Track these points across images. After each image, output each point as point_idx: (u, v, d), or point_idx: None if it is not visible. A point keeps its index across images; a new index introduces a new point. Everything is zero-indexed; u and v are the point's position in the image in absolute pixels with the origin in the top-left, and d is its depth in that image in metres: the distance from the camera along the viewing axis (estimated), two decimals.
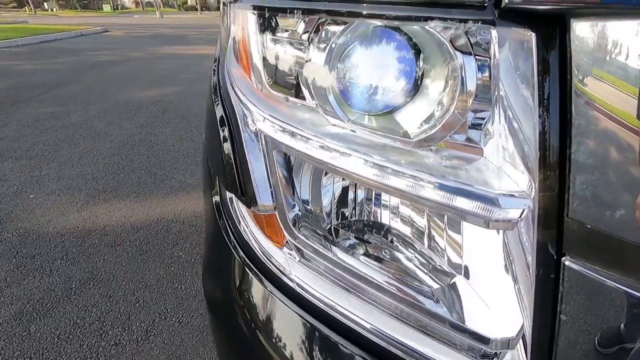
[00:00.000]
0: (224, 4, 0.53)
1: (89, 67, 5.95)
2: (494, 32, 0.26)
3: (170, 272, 1.60)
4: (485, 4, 0.24)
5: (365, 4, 0.30)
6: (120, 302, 1.44)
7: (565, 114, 0.25)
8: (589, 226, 0.25)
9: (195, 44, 9.26)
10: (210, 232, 0.59)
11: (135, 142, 2.97)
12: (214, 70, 0.54)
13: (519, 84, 0.26)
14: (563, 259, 0.27)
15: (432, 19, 0.27)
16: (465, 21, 0.25)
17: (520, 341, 0.32)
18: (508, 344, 0.32)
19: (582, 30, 0.23)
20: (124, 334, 1.30)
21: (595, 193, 0.24)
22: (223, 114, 0.47)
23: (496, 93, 0.28)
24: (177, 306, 1.42)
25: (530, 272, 0.29)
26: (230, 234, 0.52)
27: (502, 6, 0.23)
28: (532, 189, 0.27)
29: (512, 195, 0.27)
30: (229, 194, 0.55)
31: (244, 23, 0.44)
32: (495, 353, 0.34)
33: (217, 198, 0.57)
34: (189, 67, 6.20)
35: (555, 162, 0.25)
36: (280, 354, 0.44)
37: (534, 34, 0.23)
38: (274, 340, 0.45)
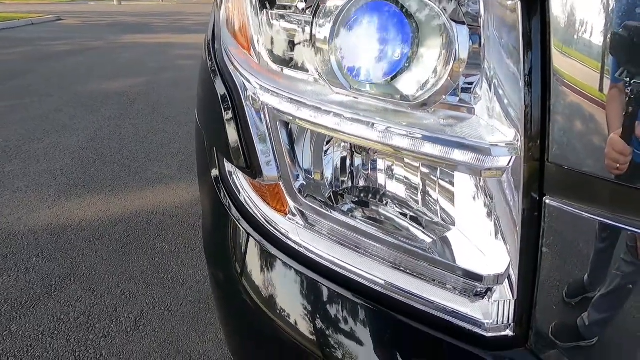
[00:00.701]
0: None
1: (45, 58, 5.58)
2: (483, 2, 0.30)
3: (155, 263, 1.59)
4: None
5: None
6: (105, 295, 1.42)
7: (545, 73, 0.29)
8: (566, 167, 0.30)
9: (159, 32, 8.86)
10: (209, 207, 0.61)
11: (104, 135, 2.86)
12: (208, 50, 0.55)
13: (506, 48, 0.30)
14: (544, 198, 0.32)
15: None
16: None
17: (507, 278, 0.37)
18: (497, 279, 0.37)
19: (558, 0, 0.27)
20: (112, 325, 1.29)
21: (571, 139, 0.29)
22: (225, 91, 0.48)
23: (486, 58, 0.32)
24: (165, 295, 1.42)
25: (516, 213, 0.33)
26: (232, 205, 0.54)
27: None
28: (517, 139, 0.31)
29: (502, 145, 0.31)
30: (228, 168, 0.57)
31: (240, 0, 0.45)
32: (487, 290, 0.38)
33: (215, 172, 0.59)
34: (154, 56, 5.95)
35: (537, 113, 0.30)
36: (290, 314, 0.48)
37: (519, 2, 0.27)
38: (283, 301, 0.48)
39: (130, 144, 2.71)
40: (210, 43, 0.55)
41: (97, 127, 3.01)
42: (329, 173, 0.47)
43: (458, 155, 0.32)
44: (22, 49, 6.31)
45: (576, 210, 0.30)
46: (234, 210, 0.54)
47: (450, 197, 0.41)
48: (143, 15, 13.46)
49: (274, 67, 0.44)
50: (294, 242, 0.48)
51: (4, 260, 1.59)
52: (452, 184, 0.40)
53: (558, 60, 0.28)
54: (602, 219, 0.29)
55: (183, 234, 1.77)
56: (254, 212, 0.53)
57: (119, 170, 2.35)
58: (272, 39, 0.44)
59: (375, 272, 0.43)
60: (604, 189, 0.29)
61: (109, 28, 9.47)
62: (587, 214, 0.30)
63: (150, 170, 2.36)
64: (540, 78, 0.29)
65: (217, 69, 0.52)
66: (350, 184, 0.47)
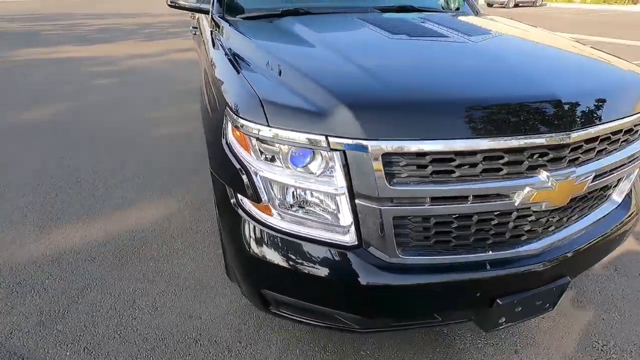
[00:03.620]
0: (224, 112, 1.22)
1: None
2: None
3: (151, 267, 2.12)
4: (323, 143, 1.02)
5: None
6: (122, 294, 1.93)
7: (351, 185, 1.05)
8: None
9: (57, 44, 8.30)
10: (229, 215, 1.28)
11: (52, 172, 3.10)
12: (224, 142, 1.24)
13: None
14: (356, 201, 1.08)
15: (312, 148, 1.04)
16: (323, 148, 1.03)
17: (352, 227, 1.14)
18: (349, 228, 1.13)
19: (350, 153, 1.02)
20: (137, 311, 1.83)
21: None
22: (240, 165, 1.16)
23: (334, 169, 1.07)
24: (169, 286, 1.99)
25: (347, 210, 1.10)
26: (244, 214, 1.23)
27: (330, 147, 1.01)
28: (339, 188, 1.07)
29: (339, 192, 1.07)
30: (239, 198, 1.25)
31: (242, 138, 1.14)
32: (347, 230, 1.14)
33: (233, 200, 1.26)
34: (63, 75, 5.81)
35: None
36: (268, 252, 1.19)
37: (340, 152, 1.02)
38: (268, 248, 1.19)
39: (83, 177, 3.02)
40: (225, 139, 1.23)
41: (42, 161, 3.21)
42: (287, 197, 1.19)
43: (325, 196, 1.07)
44: None
45: (373, 206, 1.07)
46: (244, 215, 1.23)
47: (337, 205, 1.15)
48: (27, 20, 12.05)
49: (263, 161, 1.14)
50: (274, 224, 1.19)
51: (21, 286, 1.97)
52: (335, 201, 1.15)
53: (351, 176, 1.04)
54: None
55: (166, 243, 2.30)
56: (254, 215, 1.22)
57: (85, 197, 2.71)
58: (261, 151, 1.13)
59: (310, 232, 1.16)
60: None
61: None
62: (372, 205, 1.07)
63: (117, 195, 2.76)
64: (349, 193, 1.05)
65: (228, 145, 1.20)
66: (295, 201, 1.19)
